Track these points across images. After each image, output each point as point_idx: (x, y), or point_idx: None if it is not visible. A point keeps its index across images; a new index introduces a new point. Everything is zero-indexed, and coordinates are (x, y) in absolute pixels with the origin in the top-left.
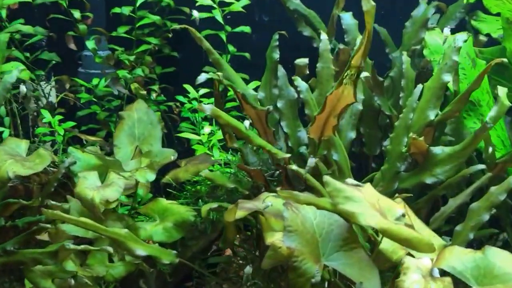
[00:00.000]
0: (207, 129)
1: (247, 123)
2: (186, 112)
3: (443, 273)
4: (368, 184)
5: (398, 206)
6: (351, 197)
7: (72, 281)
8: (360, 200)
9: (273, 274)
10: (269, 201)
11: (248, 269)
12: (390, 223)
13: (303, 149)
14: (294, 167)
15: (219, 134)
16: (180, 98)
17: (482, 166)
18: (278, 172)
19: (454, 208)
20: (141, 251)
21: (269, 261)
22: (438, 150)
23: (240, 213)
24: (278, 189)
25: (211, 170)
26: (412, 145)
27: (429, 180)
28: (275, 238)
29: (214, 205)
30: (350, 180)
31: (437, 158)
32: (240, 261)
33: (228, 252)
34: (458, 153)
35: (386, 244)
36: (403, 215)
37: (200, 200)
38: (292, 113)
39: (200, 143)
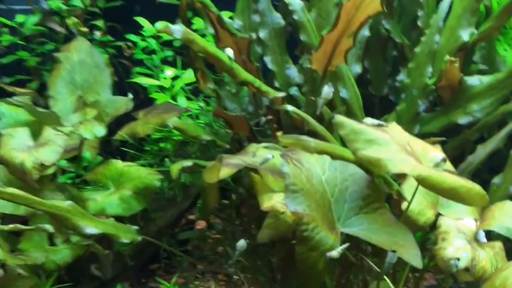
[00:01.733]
0: (169, 72)
1: (229, 51)
2: (140, 53)
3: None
4: (394, 123)
5: (435, 149)
6: (374, 139)
7: (1, 272)
8: (386, 142)
9: (260, 249)
10: (268, 153)
11: (242, 243)
12: (430, 169)
13: (293, 90)
14: (290, 107)
15: (186, 78)
16: (132, 36)
17: None
18: (265, 119)
19: (483, 157)
20: (91, 228)
21: (269, 231)
22: (474, 80)
23: (225, 171)
24: (279, 134)
25: None
26: (445, 74)
27: (462, 120)
28: (274, 202)
29: (187, 163)
30: (370, 119)
31: (473, 91)
32: (218, 236)
33: (201, 225)
34: (500, 83)
35: (406, 205)
36: (444, 160)
37: (166, 160)
38: (278, 45)
39: (160, 91)
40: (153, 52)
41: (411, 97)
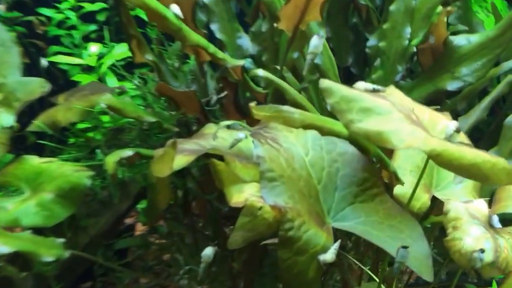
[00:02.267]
0: (94, 47)
1: (175, 7)
2: (56, 30)
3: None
4: (392, 86)
5: (445, 118)
6: (372, 108)
7: None
8: (387, 111)
9: (217, 253)
10: (240, 133)
11: (209, 252)
12: (445, 142)
13: (247, 62)
14: (262, 72)
15: (116, 54)
16: (45, 10)
17: None
18: (215, 98)
19: (466, 130)
20: (0, 246)
21: (243, 234)
22: (461, 40)
23: (181, 160)
24: (252, 104)
25: None
26: (434, 32)
27: (451, 86)
28: (246, 195)
29: (127, 152)
30: (362, 84)
31: (461, 52)
32: (163, 241)
33: (141, 229)
34: (493, 42)
35: (400, 189)
36: (457, 130)
37: (97, 152)
38: (226, 11)
39: (83, 73)
40: (72, 27)
41: (389, 63)
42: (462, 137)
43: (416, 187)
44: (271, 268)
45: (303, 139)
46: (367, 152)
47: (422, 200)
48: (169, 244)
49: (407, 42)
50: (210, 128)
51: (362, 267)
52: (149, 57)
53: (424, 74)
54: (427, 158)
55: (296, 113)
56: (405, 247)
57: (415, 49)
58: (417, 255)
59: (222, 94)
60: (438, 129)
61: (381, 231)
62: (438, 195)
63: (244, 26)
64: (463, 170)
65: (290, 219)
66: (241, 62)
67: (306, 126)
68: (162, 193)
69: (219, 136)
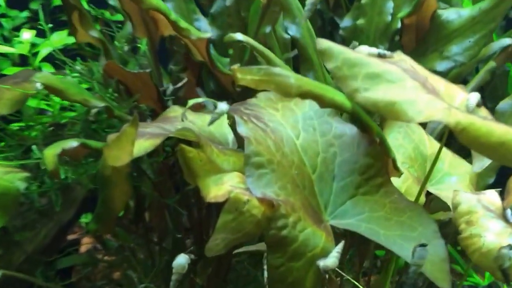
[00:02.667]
0: (26, 34)
1: None
2: None
3: None
4: (400, 52)
5: (463, 90)
6: (381, 74)
7: None
8: (400, 77)
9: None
10: (222, 103)
11: (181, 261)
12: (472, 116)
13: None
14: (241, 36)
15: (54, 41)
16: None
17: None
18: (171, 88)
19: None
20: None
21: (226, 237)
22: (451, 14)
23: (144, 144)
24: (235, 66)
25: None
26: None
27: (440, 66)
28: (227, 186)
29: (71, 144)
30: (365, 47)
31: (450, 28)
32: (112, 257)
33: (88, 244)
34: (486, 15)
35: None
36: (479, 104)
37: (33, 149)
38: None
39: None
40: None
41: (368, 43)
42: (485, 112)
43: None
44: (236, 286)
45: (291, 118)
46: (370, 132)
47: (416, 196)
48: (120, 260)
49: (389, 17)
50: (175, 110)
51: (344, 274)
52: (94, 33)
53: (411, 53)
54: (420, 147)
55: (291, 77)
56: (423, 245)
57: (399, 25)
58: (433, 258)
59: (182, 82)
60: (456, 102)
61: (389, 229)
62: (433, 189)
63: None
64: (490, 149)
65: (284, 214)
66: (207, 35)
67: (304, 94)
68: (119, 188)
69: (187, 118)
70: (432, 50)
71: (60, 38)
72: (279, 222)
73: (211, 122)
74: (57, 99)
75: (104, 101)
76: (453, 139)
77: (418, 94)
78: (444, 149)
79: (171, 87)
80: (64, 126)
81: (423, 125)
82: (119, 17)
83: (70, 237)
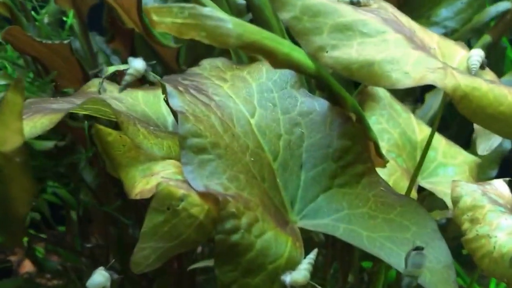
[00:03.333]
0: None
1: None
2: None
3: None
4: None
5: (462, 47)
6: (353, 25)
7: None
8: (379, 29)
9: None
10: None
11: (98, 279)
12: (474, 78)
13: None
14: None
15: None
16: None
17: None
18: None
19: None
20: None
21: (155, 245)
22: None
23: (42, 121)
24: (150, 6)
25: None
26: None
27: None
28: (158, 178)
29: None
30: None
31: None
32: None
33: (27, 267)
34: None
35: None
36: (482, 67)
37: None
38: None
39: None
40: None
41: None
42: (491, 75)
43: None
44: None
45: (244, 90)
46: (343, 105)
47: (402, 184)
48: (65, 284)
49: None
50: (95, 84)
51: None
52: None
53: None
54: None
55: (228, 21)
56: (419, 249)
57: None
58: (433, 265)
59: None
60: (455, 62)
61: (374, 230)
62: (425, 184)
63: None
64: (499, 121)
65: (235, 214)
66: None
67: (247, 47)
68: (15, 183)
69: (109, 93)
70: (417, 16)
71: None
72: (227, 224)
73: (123, 88)
74: None
75: (8, 79)
76: (447, 124)
77: (404, 51)
78: (437, 135)
79: (106, 68)
80: None
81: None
82: None
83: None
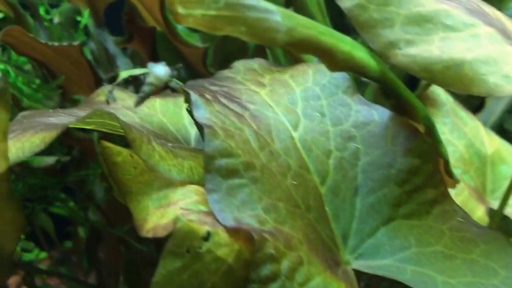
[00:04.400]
0: None
1: None
2: None
3: None
4: None
5: None
6: (433, 16)
7: None
8: (467, 22)
9: None
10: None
11: None
12: None
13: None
14: None
15: None
16: None
17: None
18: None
19: None
20: None
21: None
22: None
23: (33, 140)
24: None
25: None
26: None
27: None
28: (176, 209)
29: None
30: None
31: None
32: None
33: None
34: None
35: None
36: None
37: None
38: None
39: None
40: None
41: None
42: None
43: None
44: None
45: (286, 97)
46: (412, 115)
47: (478, 214)
48: None
49: None
50: (106, 91)
51: None
52: None
53: None
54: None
55: (276, 12)
56: None
57: None
58: None
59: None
60: None
61: (452, 275)
62: (495, 204)
63: None
64: None
65: (273, 256)
66: None
67: (298, 44)
68: (0, 216)
69: (124, 102)
70: None
71: None
72: (264, 269)
73: (140, 101)
74: None
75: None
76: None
77: (501, 49)
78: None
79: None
80: None
81: None
82: None
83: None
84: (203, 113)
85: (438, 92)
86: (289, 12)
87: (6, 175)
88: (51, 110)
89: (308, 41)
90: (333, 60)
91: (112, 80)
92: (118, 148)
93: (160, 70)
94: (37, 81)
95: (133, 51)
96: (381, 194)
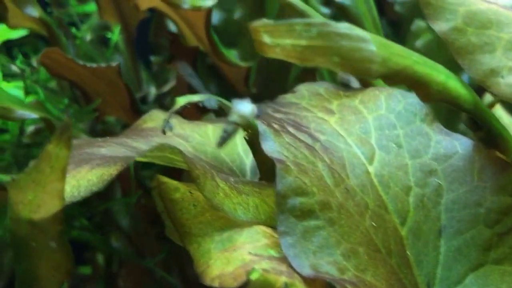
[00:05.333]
0: None
1: None
2: None
3: None
4: None
5: None
6: None
7: None
8: None
9: None
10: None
11: None
12: None
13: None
14: None
15: None
16: None
17: None
18: (154, 94)
19: None
20: None
21: None
22: None
23: (89, 177)
24: (257, 23)
25: None
26: None
27: None
28: (244, 256)
29: None
30: None
31: None
32: None
33: None
34: None
35: None
36: None
37: None
38: None
39: None
40: None
41: None
42: None
43: None
44: None
45: (358, 126)
46: (502, 148)
47: None
48: None
49: None
50: (154, 118)
51: None
52: (33, 12)
53: None
54: None
55: (370, 41)
56: None
57: None
58: None
59: (169, 85)
60: None
61: None
62: None
63: None
64: None
65: None
66: (208, 2)
67: (394, 76)
68: (46, 261)
69: (174, 129)
70: None
71: None
72: None
73: (224, 140)
74: None
75: (39, 111)
76: None
77: None
78: None
79: (153, 91)
80: None
81: None
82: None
83: None
84: (273, 146)
85: (500, 113)
86: (384, 40)
87: (60, 216)
88: (99, 139)
89: (404, 72)
90: (427, 91)
91: (142, 101)
92: (175, 183)
93: (245, 108)
94: (65, 100)
95: (158, 69)
96: (469, 236)
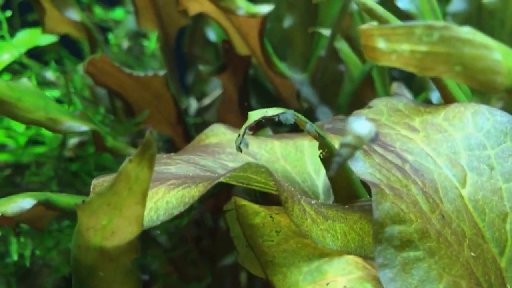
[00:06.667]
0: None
1: None
2: None
3: None
4: None
5: None
6: None
7: None
8: None
9: None
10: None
11: None
12: None
13: None
14: None
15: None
16: None
17: None
18: (196, 107)
19: None
20: None
21: None
22: None
23: (169, 199)
24: (365, 26)
25: None
26: None
27: None
28: (338, 287)
29: (24, 203)
30: None
31: None
32: None
33: None
34: None
35: None
36: None
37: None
38: None
39: None
40: None
41: (505, 33)
42: None
43: None
44: None
45: (445, 145)
46: None
47: None
48: None
49: None
50: (217, 133)
51: None
52: (74, 15)
53: None
54: None
55: (495, 49)
56: None
57: None
58: None
59: (214, 96)
60: None
61: None
62: None
63: None
64: None
65: None
66: (264, 9)
67: None
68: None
69: (247, 147)
70: None
71: (25, 38)
72: None
73: (338, 166)
74: (20, 126)
75: (88, 123)
76: None
77: None
78: None
79: (194, 104)
80: (26, 168)
81: None
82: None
83: None
84: (364, 167)
85: None
86: (509, 50)
87: (136, 244)
88: (164, 155)
89: None
90: None
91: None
92: (255, 207)
93: (362, 128)
94: (102, 110)
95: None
96: None
